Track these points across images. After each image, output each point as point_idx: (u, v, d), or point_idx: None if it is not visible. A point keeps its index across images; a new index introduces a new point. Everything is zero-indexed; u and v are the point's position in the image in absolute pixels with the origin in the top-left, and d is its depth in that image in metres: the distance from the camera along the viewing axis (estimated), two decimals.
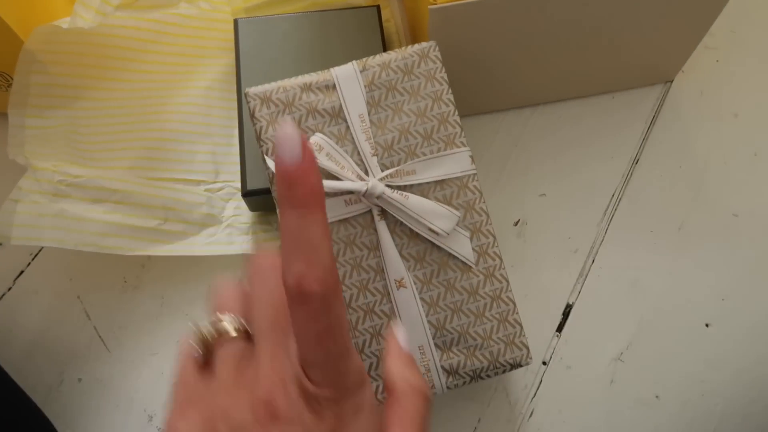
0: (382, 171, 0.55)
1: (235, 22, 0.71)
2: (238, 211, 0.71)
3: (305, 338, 0.34)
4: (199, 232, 0.69)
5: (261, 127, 0.56)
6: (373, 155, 0.55)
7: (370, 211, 0.55)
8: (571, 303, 0.69)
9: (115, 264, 0.70)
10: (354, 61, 0.58)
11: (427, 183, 0.56)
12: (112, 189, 0.67)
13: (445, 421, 0.64)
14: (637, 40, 0.69)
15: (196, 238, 0.69)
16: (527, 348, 0.56)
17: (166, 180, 0.70)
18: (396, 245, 0.55)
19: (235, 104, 0.74)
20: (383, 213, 0.55)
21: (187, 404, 0.39)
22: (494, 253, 0.56)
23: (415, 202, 0.54)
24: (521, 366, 0.56)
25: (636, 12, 0.64)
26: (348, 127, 0.56)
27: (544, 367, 0.67)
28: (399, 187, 0.55)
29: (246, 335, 0.40)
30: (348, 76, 0.57)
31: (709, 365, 0.67)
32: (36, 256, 0.71)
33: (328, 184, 0.53)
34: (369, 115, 0.56)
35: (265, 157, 0.56)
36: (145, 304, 0.69)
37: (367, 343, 0.55)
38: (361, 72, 0.57)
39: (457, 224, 0.55)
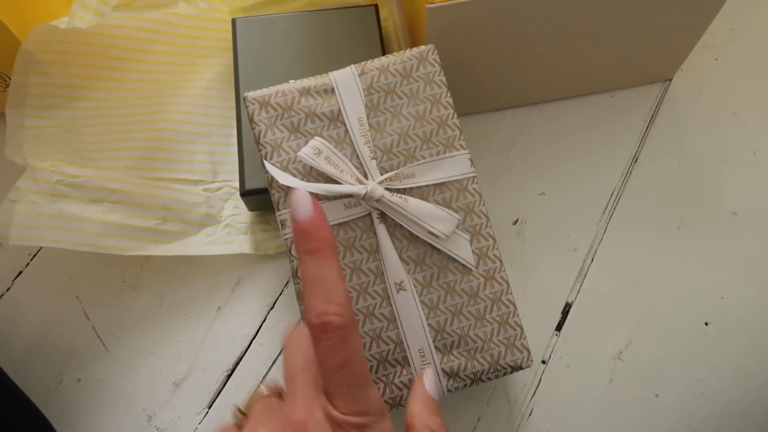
0: (382, 174, 0.55)
1: (233, 21, 0.71)
2: (237, 211, 0.71)
3: (329, 369, 0.40)
4: (198, 232, 0.69)
5: (260, 131, 0.56)
6: (372, 159, 0.55)
7: (370, 214, 0.55)
8: (570, 302, 0.69)
9: (114, 264, 0.70)
10: (352, 65, 0.58)
11: (427, 186, 0.56)
12: (111, 189, 0.66)
13: (445, 421, 0.64)
14: (635, 39, 0.69)
15: (194, 238, 0.69)
16: (528, 350, 0.56)
17: (165, 180, 0.70)
18: (396, 248, 0.55)
19: (233, 104, 0.74)
20: (383, 216, 0.55)
21: None
22: (494, 255, 0.56)
23: (414, 205, 0.54)
24: (522, 368, 0.56)
25: (634, 11, 0.64)
26: (347, 131, 0.56)
27: (543, 366, 0.67)
28: (398, 191, 0.55)
29: (278, 395, 0.45)
30: (346, 79, 0.57)
31: (709, 364, 0.67)
32: (35, 256, 0.71)
33: (327, 188, 0.53)
34: (368, 118, 0.56)
35: (264, 161, 0.56)
36: (143, 304, 0.69)
37: (367, 347, 0.55)
38: (359, 75, 0.57)
39: (456, 227, 0.55)
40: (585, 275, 0.70)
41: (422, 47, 0.58)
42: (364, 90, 0.57)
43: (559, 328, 0.68)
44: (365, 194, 0.53)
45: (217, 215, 0.70)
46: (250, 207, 0.69)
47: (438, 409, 0.46)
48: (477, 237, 0.56)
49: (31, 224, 0.64)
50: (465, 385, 0.55)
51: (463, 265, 0.55)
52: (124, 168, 0.69)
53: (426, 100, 0.57)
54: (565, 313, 0.68)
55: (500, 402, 0.65)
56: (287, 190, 0.55)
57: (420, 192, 0.55)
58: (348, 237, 0.55)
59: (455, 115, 0.57)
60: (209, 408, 0.65)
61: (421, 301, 0.55)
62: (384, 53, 0.71)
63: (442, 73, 0.58)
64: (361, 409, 0.41)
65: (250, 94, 0.57)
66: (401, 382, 0.54)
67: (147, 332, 0.68)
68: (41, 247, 0.71)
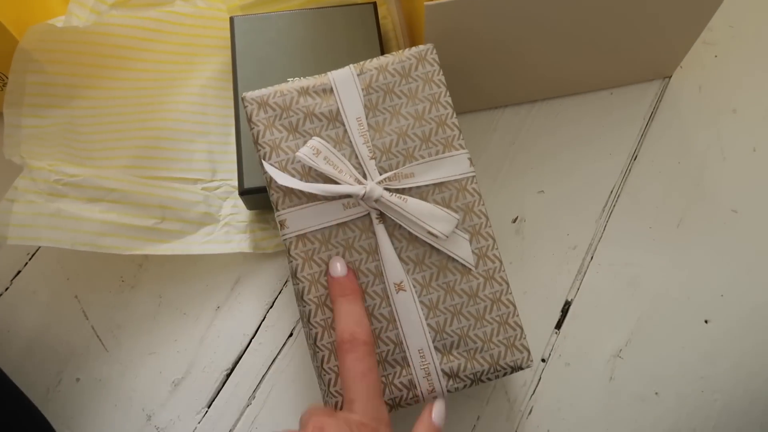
0: (381, 174, 0.55)
1: (231, 19, 0.71)
2: (236, 210, 0.71)
3: (353, 376, 0.50)
4: (197, 231, 0.69)
5: (258, 132, 0.56)
6: (371, 158, 0.55)
7: (369, 214, 0.55)
8: (569, 300, 0.69)
9: (113, 263, 0.70)
10: (351, 65, 0.57)
11: (426, 186, 0.55)
12: (109, 188, 0.66)
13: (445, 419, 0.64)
14: (635, 36, 0.69)
15: (193, 237, 0.69)
16: (528, 351, 0.56)
17: (163, 179, 0.70)
18: (395, 248, 0.55)
19: (231, 102, 0.74)
20: (382, 216, 0.55)
21: None
22: (494, 255, 0.56)
23: (413, 205, 0.54)
24: (522, 369, 0.56)
25: (634, 7, 0.64)
26: (346, 131, 0.56)
27: (543, 364, 0.67)
28: (397, 191, 0.55)
29: None
30: (345, 79, 0.57)
31: (709, 361, 0.67)
32: (33, 255, 0.71)
33: (326, 188, 0.53)
34: (367, 118, 0.56)
35: (262, 161, 0.55)
36: (142, 304, 0.69)
37: None
38: (358, 75, 0.57)
39: (456, 227, 0.55)
40: (584, 273, 0.70)
41: (421, 47, 0.58)
42: (362, 90, 0.56)
43: (558, 326, 0.68)
44: (364, 194, 0.53)
45: (216, 214, 0.70)
46: (249, 206, 0.69)
47: None
48: (476, 237, 0.56)
49: (29, 224, 0.63)
50: (465, 386, 0.55)
51: (462, 265, 0.55)
52: (122, 167, 0.69)
53: (425, 99, 0.57)
54: (565, 311, 0.68)
55: (500, 400, 0.65)
56: (286, 189, 0.55)
57: (419, 192, 0.55)
58: (347, 237, 0.55)
59: (454, 115, 0.57)
60: (208, 407, 0.65)
61: (421, 302, 0.55)
62: (382, 51, 0.71)
63: (441, 72, 0.57)
64: (375, 416, 0.49)
65: (249, 94, 0.56)
66: (401, 382, 0.54)
67: (146, 332, 0.68)
68: (40, 247, 0.71)
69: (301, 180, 0.55)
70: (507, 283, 0.56)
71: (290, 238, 0.55)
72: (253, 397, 0.65)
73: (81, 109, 0.71)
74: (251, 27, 0.71)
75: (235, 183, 0.71)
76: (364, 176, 0.55)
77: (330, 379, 0.54)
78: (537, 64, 0.70)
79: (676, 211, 0.72)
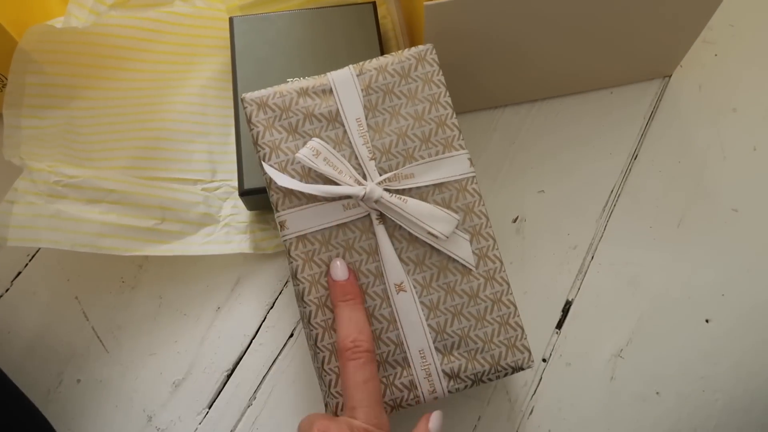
0: (380, 175, 0.55)
1: (231, 20, 0.71)
2: (236, 210, 0.71)
3: (355, 384, 0.50)
4: (197, 232, 0.69)
5: (258, 132, 0.56)
6: (371, 159, 0.55)
7: (369, 215, 0.55)
8: (570, 300, 0.69)
9: (113, 264, 0.70)
10: (350, 65, 0.57)
11: (426, 186, 0.55)
12: (109, 189, 0.66)
13: (445, 420, 0.64)
14: (634, 35, 0.69)
15: (193, 238, 0.69)
16: (529, 351, 0.56)
17: (163, 179, 0.70)
18: (395, 249, 0.55)
19: (231, 102, 0.74)
20: (382, 217, 0.55)
21: None
22: (494, 255, 0.56)
23: (413, 205, 0.54)
24: (523, 369, 0.56)
25: (634, 6, 0.64)
26: (345, 132, 0.56)
27: (543, 364, 0.67)
28: (397, 191, 0.55)
29: None
30: (345, 80, 0.57)
31: (710, 361, 0.67)
32: (33, 257, 0.71)
33: (326, 189, 0.53)
34: (366, 119, 0.56)
35: (262, 162, 0.55)
36: (143, 305, 0.69)
37: None
38: (357, 76, 0.57)
39: (456, 227, 0.55)
40: (585, 273, 0.70)
41: (420, 47, 0.58)
42: (362, 90, 0.56)
43: (559, 326, 0.68)
44: (364, 195, 0.53)
45: (216, 215, 0.70)
46: (249, 206, 0.69)
47: None
48: (477, 237, 0.56)
49: (29, 225, 0.63)
50: (466, 386, 0.55)
51: (463, 265, 0.55)
52: (121, 168, 0.69)
53: (425, 99, 0.57)
54: (566, 311, 0.68)
55: (501, 400, 0.65)
56: (286, 190, 0.55)
57: (419, 192, 0.55)
58: (347, 238, 0.55)
59: (454, 115, 0.57)
60: (209, 408, 0.65)
61: (421, 302, 0.55)
62: (382, 51, 0.71)
63: (441, 72, 0.57)
64: (378, 423, 0.49)
65: (248, 95, 0.56)
66: (401, 383, 0.54)
67: (146, 332, 0.68)
68: (40, 248, 0.71)
69: (300, 181, 0.55)
70: (507, 284, 0.56)
71: (290, 239, 0.55)
72: (253, 397, 0.65)
73: (80, 109, 0.71)
74: (250, 27, 0.71)
75: (235, 183, 0.71)
76: (364, 177, 0.55)
77: (331, 380, 0.54)
78: (537, 63, 0.70)
79: (677, 211, 0.72)
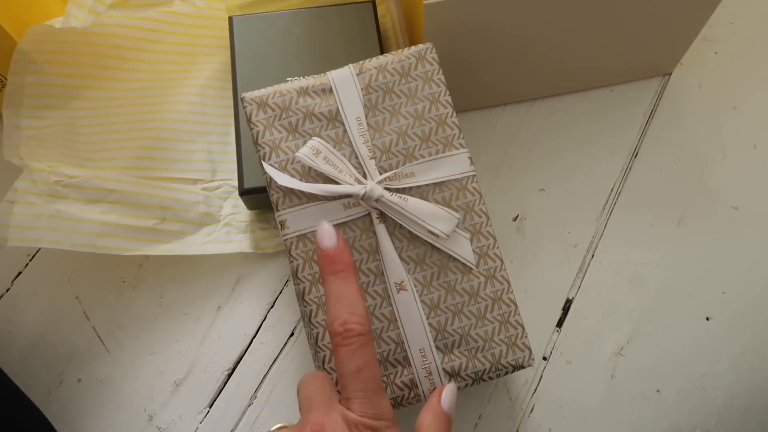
0: (381, 174, 0.55)
1: (230, 19, 0.71)
2: (236, 210, 0.71)
3: (348, 373, 0.46)
4: (197, 231, 0.69)
5: (258, 132, 0.56)
6: (371, 158, 0.55)
7: (369, 214, 0.55)
8: (570, 298, 0.69)
9: (113, 264, 0.70)
10: (350, 65, 0.57)
11: (426, 185, 0.55)
12: (109, 189, 0.66)
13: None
14: (634, 33, 0.69)
15: (193, 237, 0.69)
16: (529, 349, 0.56)
17: (163, 179, 0.70)
18: (396, 248, 0.55)
19: (231, 102, 0.74)
20: (382, 216, 0.55)
21: None
22: (495, 254, 0.56)
23: (414, 204, 0.54)
24: (523, 368, 0.56)
25: (634, 4, 0.64)
26: (345, 131, 0.56)
27: (544, 362, 0.67)
28: (398, 190, 0.55)
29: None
30: (344, 79, 0.57)
31: (710, 359, 0.67)
32: (33, 257, 0.71)
33: (326, 188, 0.53)
34: (366, 118, 0.56)
35: (262, 162, 0.55)
36: (143, 304, 0.69)
37: None
38: (357, 75, 0.57)
39: (456, 226, 0.55)
40: (585, 271, 0.70)
41: (420, 46, 0.58)
42: (362, 89, 0.56)
43: (560, 324, 0.68)
44: (364, 194, 0.53)
45: (216, 214, 0.70)
46: (249, 206, 0.69)
47: (448, 426, 0.49)
48: (477, 236, 0.56)
49: (29, 225, 0.63)
50: (466, 385, 0.55)
51: (463, 264, 0.55)
52: (121, 168, 0.69)
53: (425, 98, 0.57)
54: (566, 309, 0.68)
55: (501, 399, 0.65)
56: (286, 190, 0.55)
57: (419, 191, 0.55)
58: (347, 237, 0.55)
59: (454, 114, 0.57)
60: (210, 407, 0.65)
61: (422, 301, 0.55)
62: (382, 50, 0.71)
63: (441, 71, 0.57)
64: (376, 413, 0.45)
65: (248, 95, 0.56)
66: (402, 382, 0.54)
67: (147, 332, 0.68)
68: (40, 248, 0.71)
69: (301, 180, 0.55)
70: (508, 282, 0.56)
71: (291, 238, 0.55)
72: (254, 396, 0.65)
73: (80, 109, 0.71)
74: (250, 27, 0.71)
75: (235, 183, 0.71)
76: (364, 176, 0.55)
77: (331, 379, 0.54)
78: (537, 61, 0.70)
79: (677, 209, 0.72)
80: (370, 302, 0.54)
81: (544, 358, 0.67)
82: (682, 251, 0.70)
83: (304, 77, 0.58)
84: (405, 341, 0.54)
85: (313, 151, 0.54)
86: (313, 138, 0.55)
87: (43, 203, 0.64)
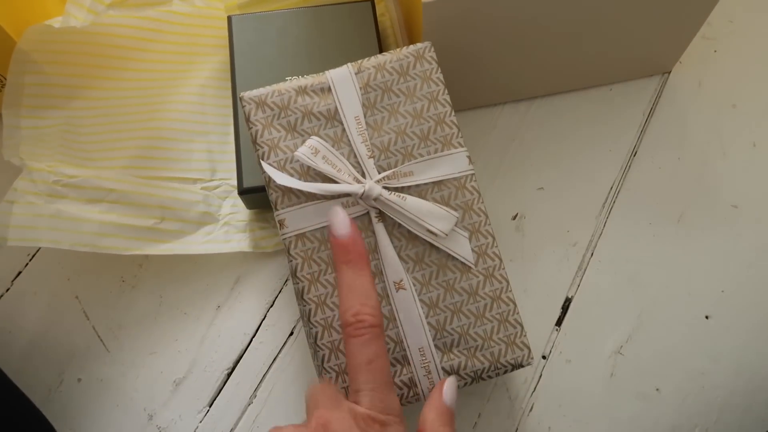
0: (379, 173, 0.55)
1: (229, 19, 0.71)
2: (235, 209, 0.71)
3: (359, 364, 0.46)
4: (196, 231, 0.69)
5: (257, 131, 0.56)
6: (370, 157, 0.55)
7: (368, 213, 0.55)
8: (570, 296, 0.69)
9: (113, 264, 0.70)
10: (349, 64, 0.57)
11: (425, 184, 0.55)
12: (108, 189, 0.66)
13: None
14: (633, 31, 0.68)
15: (193, 237, 0.69)
16: (528, 348, 0.56)
17: (162, 179, 0.70)
18: (394, 247, 0.55)
19: (230, 101, 0.74)
20: (381, 215, 0.55)
21: None
22: (494, 253, 0.56)
23: (412, 203, 0.54)
24: (522, 366, 0.56)
25: (633, 3, 0.64)
26: (344, 130, 0.56)
27: (543, 361, 0.67)
28: (396, 189, 0.55)
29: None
30: (343, 78, 0.57)
31: (710, 357, 0.67)
32: (33, 256, 0.71)
33: (325, 187, 0.53)
34: (365, 117, 0.56)
35: (261, 161, 0.55)
36: (143, 304, 0.69)
37: None
38: (356, 74, 0.57)
39: (455, 225, 0.55)
40: (585, 270, 0.70)
41: (419, 44, 0.58)
42: (360, 88, 0.56)
43: (559, 323, 0.68)
44: (363, 193, 0.53)
45: (216, 213, 0.70)
46: (249, 205, 0.69)
47: (451, 420, 0.48)
48: (476, 235, 0.56)
49: (29, 225, 0.63)
50: (465, 384, 0.55)
51: (462, 263, 0.55)
52: (121, 167, 0.69)
53: (423, 97, 0.57)
54: (565, 308, 0.68)
55: (501, 398, 0.65)
56: (285, 189, 0.55)
57: (418, 190, 0.55)
58: None
59: (453, 113, 0.57)
60: (210, 406, 0.65)
61: (421, 300, 0.55)
62: (381, 49, 0.71)
63: (439, 70, 0.57)
64: (384, 407, 0.45)
65: (247, 94, 0.56)
66: (401, 381, 0.54)
67: (147, 331, 0.68)
68: (40, 248, 0.71)
69: (299, 179, 0.55)
70: (507, 281, 0.56)
71: (290, 237, 0.55)
72: (254, 396, 0.65)
73: (79, 109, 0.71)
74: (249, 26, 0.71)
75: (235, 182, 0.71)
76: (363, 175, 0.55)
77: (331, 378, 0.54)
78: (536, 60, 0.70)
79: (677, 207, 0.72)
80: None
81: (544, 357, 0.67)
82: (682, 250, 0.70)
83: (302, 76, 0.58)
84: (404, 340, 0.54)
85: (311, 150, 0.54)
86: (311, 137, 0.55)
87: (42, 203, 0.64)
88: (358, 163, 0.55)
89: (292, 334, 0.68)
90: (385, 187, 0.54)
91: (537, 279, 0.69)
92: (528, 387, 0.66)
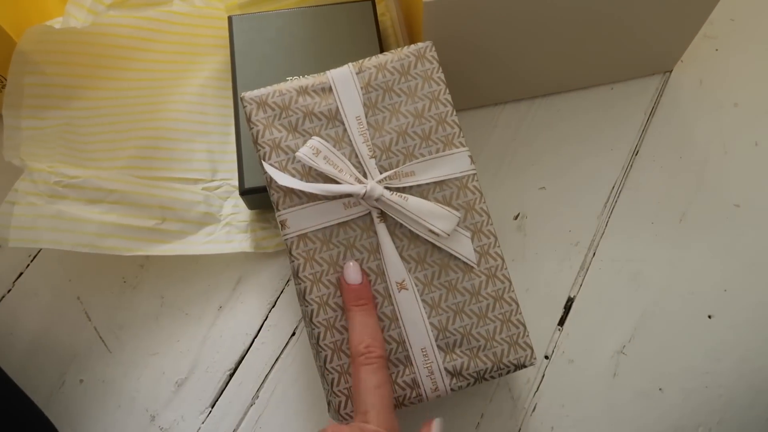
0: (381, 173, 0.55)
1: (230, 19, 0.71)
2: (237, 209, 0.71)
3: (368, 388, 0.50)
4: (198, 231, 0.69)
5: (258, 131, 0.56)
6: (371, 157, 0.55)
7: (370, 213, 0.55)
8: (572, 296, 0.69)
9: (114, 264, 0.70)
10: (350, 63, 0.57)
11: (427, 184, 0.55)
12: (109, 189, 0.66)
13: (448, 417, 0.64)
14: (635, 30, 0.68)
15: (194, 237, 0.69)
16: (531, 348, 0.56)
17: (163, 179, 0.70)
18: (396, 247, 0.55)
19: (230, 101, 0.74)
20: (383, 215, 0.55)
21: None
22: (496, 253, 0.56)
23: (414, 203, 0.53)
24: (525, 366, 0.56)
25: (634, 1, 0.64)
26: (345, 130, 0.56)
27: (546, 361, 0.67)
28: (398, 189, 0.55)
29: None
30: (344, 78, 0.56)
31: (712, 356, 0.66)
32: (35, 257, 0.71)
33: (327, 188, 0.53)
34: (366, 117, 0.56)
35: (262, 162, 0.55)
36: (144, 304, 0.69)
37: None
38: (357, 74, 0.57)
39: (457, 225, 0.55)
40: (587, 269, 0.69)
41: (420, 44, 0.58)
42: (362, 88, 0.56)
43: (561, 323, 0.68)
44: (365, 193, 0.53)
45: (217, 214, 0.70)
46: (250, 205, 0.69)
47: None
48: (478, 235, 0.56)
49: (30, 226, 0.63)
50: (468, 384, 0.55)
51: (464, 263, 0.55)
52: (122, 168, 0.69)
53: (424, 97, 0.56)
54: (568, 307, 0.68)
55: (503, 398, 0.65)
56: (286, 189, 0.55)
57: (420, 190, 0.55)
58: (348, 236, 0.55)
59: (454, 113, 0.57)
60: (212, 407, 0.65)
61: (423, 300, 0.54)
62: (381, 48, 0.71)
63: (441, 69, 0.57)
64: (389, 426, 0.49)
65: (248, 94, 0.56)
66: (404, 381, 0.54)
67: (148, 332, 0.68)
68: (41, 249, 0.71)
69: (301, 180, 0.55)
70: (509, 281, 0.56)
71: (291, 238, 0.55)
72: (256, 396, 0.65)
73: (80, 110, 0.71)
74: (249, 26, 0.71)
75: (236, 182, 0.71)
76: (365, 175, 0.55)
77: (333, 379, 0.54)
78: (537, 60, 0.69)
79: (678, 206, 0.72)
80: None
81: (546, 357, 0.67)
82: (684, 249, 0.70)
83: (303, 76, 0.58)
84: (406, 341, 0.54)
85: (313, 150, 0.54)
86: (313, 137, 0.55)
87: (43, 204, 0.64)
88: (360, 163, 0.55)
89: (294, 334, 0.68)
90: (386, 188, 0.54)
91: (539, 279, 0.69)
92: (531, 387, 0.66)
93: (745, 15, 0.80)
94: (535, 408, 0.65)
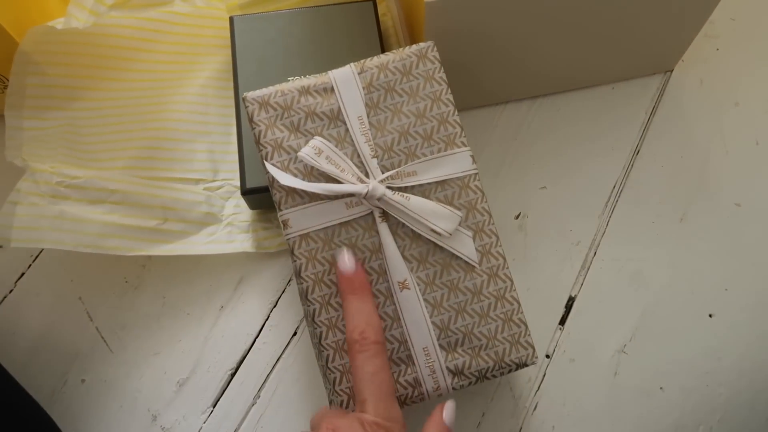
0: (383, 173, 0.55)
1: (231, 19, 0.71)
2: (238, 210, 0.71)
3: (364, 376, 0.50)
4: (199, 231, 0.69)
5: (260, 131, 0.56)
6: (373, 157, 0.55)
7: (372, 213, 0.55)
8: (573, 296, 0.69)
9: (116, 264, 0.70)
10: (352, 63, 0.57)
11: (429, 184, 0.55)
12: (111, 189, 0.66)
13: None
14: (636, 30, 0.68)
15: (196, 237, 0.69)
16: (533, 347, 0.56)
17: (165, 179, 0.70)
18: (398, 247, 0.55)
19: (232, 102, 0.74)
20: (385, 215, 0.55)
21: None
22: (497, 252, 0.56)
23: (416, 203, 0.54)
24: (527, 366, 0.56)
25: (635, 1, 0.64)
26: (347, 130, 0.56)
27: (547, 360, 0.67)
28: (400, 189, 0.55)
29: None
30: (346, 78, 0.57)
31: (713, 355, 0.67)
32: (36, 257, 0.71)
33: (329, 187, 0.53)
34: (368, 117, 0.56)
35: (264, 161, 0.55)
36: (146, 304, 0.69)
37: None
38: (359, 74, 0.57)
39: (459, 224, 0.55)
40: (588, 268, 0.70)
41: (421, 44, 0.58)
42: (363, 88, 0.56)
43: (562, 322, 0.68)
44: (367, 193, 0.53)
45: (218, 214, 0.70)
46: (252, 206, 0.69)
47: None
48: (480, 234, 0.56)
49: (32, 226, 0.63)
50: (470, 383, 0.55)
51: (466, 262, 0.55)
52: (123, 168, 0.69)
53: (426, 97, 0.56)
54: (569, 307, 0.68)
55: (505, 397, 0.65)
56: (288, 189, 0.55)
57: (422, 190, 0.55)
58: (350, 236, 0.55)
59: (456, 112, 0.57)
60: (214, 407, 0.65)
61: (425, 299, 0.55)
62: (383, 48, 0.71)
63: (442, 69, 0.57)
64: (388, 415, 0.48)
65: (250, 94, 0.56)
66: (406, 380, 0.54)
67: (150, 332, 0.68)
68: (43, 249, 0.71)
69: (303, 179, 0.55)
70: (511, 280, 0.56)
71: (293, 237, 0.55)
72: (258, 396, 0.66)
73: (82, 110, 0.71)
74: (251, 26, 0.71)
75: (237, 183, 0.71)
76: (367, 175, 0.55)
77: (335, 378, 0.54)
78: (538, 59, 0.70)
79: (679, 206, 0.72)
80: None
81: (547, 356, 0.67)
82: (685, 248, 0.70)
83: (305, 76, 0.58)
84: (408, 340, 0.54)
85: (315, 150, 0.54)
86: (315, 137, 0.55)
87: (45, 204, 0.64)
88: (362, 163, 0.55)
89: (295, 334, 0.68)
90: (388, 187, 0.54)
91: (540, 278, 0.69)
92: (532, 386, 0.66)
93: (746, 15, 0.80)
94: (536, 407, 0.65)
